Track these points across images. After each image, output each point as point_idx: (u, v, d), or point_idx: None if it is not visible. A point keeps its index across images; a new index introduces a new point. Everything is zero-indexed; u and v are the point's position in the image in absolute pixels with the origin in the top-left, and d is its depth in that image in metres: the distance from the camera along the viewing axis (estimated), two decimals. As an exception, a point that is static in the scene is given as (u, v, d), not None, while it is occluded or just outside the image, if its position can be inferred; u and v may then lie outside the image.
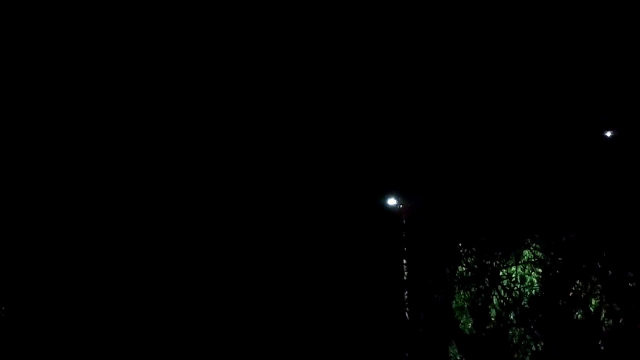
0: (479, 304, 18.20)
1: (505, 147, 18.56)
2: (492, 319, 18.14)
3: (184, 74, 17.55)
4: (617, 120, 18.57)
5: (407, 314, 18.39)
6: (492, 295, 18.22)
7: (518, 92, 18.67)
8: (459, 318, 18.25)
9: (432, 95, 18.61)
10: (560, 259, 18.14)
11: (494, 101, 18.75)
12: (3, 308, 16.34)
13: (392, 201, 18.57)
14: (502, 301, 18.15)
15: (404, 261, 18.58)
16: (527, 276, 18.24)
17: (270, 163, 18.15)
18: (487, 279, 18.27)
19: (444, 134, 18.70)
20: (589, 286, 17.96)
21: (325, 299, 17.96)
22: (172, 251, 17.43)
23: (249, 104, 18.06)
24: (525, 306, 18.03)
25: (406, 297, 18.50)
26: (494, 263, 18.37)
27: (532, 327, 17.90)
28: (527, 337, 17.91)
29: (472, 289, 18.30)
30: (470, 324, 18.10)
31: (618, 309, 17.83)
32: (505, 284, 18.23)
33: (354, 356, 17.97)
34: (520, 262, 18.30)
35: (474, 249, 18.45)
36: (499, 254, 18.37)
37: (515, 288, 18.16)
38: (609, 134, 18.58)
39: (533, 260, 18.22)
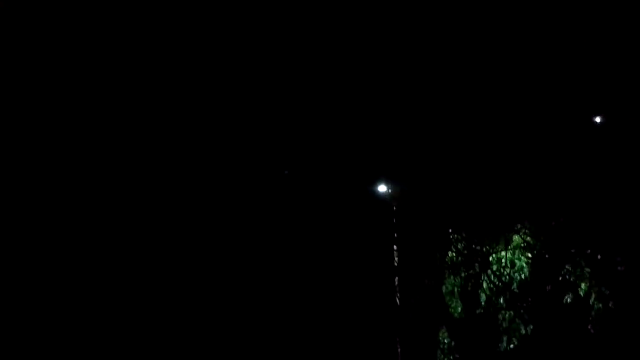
0: (469, 289, 18.32)
1: (494, 132, 18.58)
2: (482, 303, 18.27)
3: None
4: (607, 105, 18.62)
5: (397, 300, 18.49)
6: (482, 280, 18.34)
7: (507, 77, 18.66)
8: (449, 303, 18.37)
9: (420, 79, 18.56)
10: (549, 243, 18.27)
11: (482, 87, 18.74)
12: None
13: (382, 187, 18.59)
14: (491, 286, 18.27)
15: (395, 247, 18.63)
16: (516, 261, 18.36)
17: (258, 147, 18.11)
18: (477, 264, 18.36)
19: (433, 119, 18.68)
20: (578, 270, 18.12)
21: (314, 285, 18.01)
22: (168, 247, 17.46)
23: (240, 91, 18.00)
24: (515, 290, 18.17)
25: (397, 282, 18.58)
26: (483, 248, 18.46)
27: (521, 311, 18.05)
28: (517, 320, 18.06)
29: (462, 274, 18.40)
30: (459, 308, 18.23)
31: (607, 292, 18.01)
32: (495, 269, 18.34)
33: (345, 341, 18.07)
34: (509, 247, 18.41)
35: (463, 234, 18.52)
36: (489, 239, 18.46)
37: (505, 273, 18.28)
38: (598, 119, 18.64)
39: (523, 245, 18.33)
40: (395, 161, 18.67)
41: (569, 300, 18.05)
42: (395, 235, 18.56)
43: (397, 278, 18.54)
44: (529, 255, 18.28)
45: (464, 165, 18.62)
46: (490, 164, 18.57)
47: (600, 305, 17.93)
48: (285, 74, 18.52)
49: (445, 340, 18.30)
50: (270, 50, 18.32)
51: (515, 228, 18.41)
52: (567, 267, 18.11)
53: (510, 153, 18.56)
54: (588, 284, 18.02)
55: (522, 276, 18.21)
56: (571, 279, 18.22)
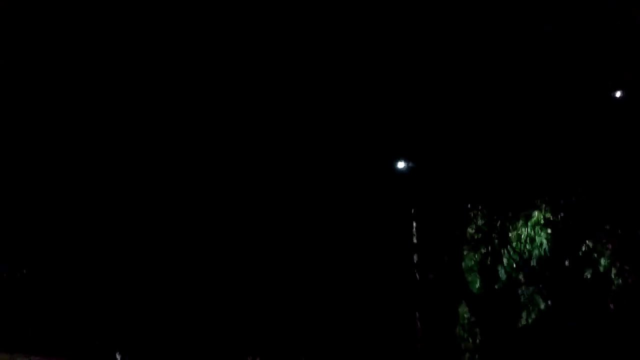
0: (488, 264, 18.35)
1: (516, 109, 18.64)
2: (502, 279, 18.26)
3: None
4: (627, 80, 18.45)
5: (417, 275, 18.70)
6: (502, 256, 18.33)
7: (529, 54, 18.70)
8: (469, 278, 18.43)
9: (442, 55, 18.76)
10: (569, 219, 18.17)
11: (505, 64, 18.82)
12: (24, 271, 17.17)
13: (401, 164, 18.87)
14: (511, 261, 18.26)
15: (414, 224, 18.87)
16: (536, 237, 18.28)
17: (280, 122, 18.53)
18: (496, 240, 18.40)
19: (454, 94, 18.85)
20: (598, 246, 17.95)
21: (335, 261, 18.39)
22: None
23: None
24: (534, 266, 18.12)
25: (416, 259, 18.80)
26: (503, 224, 18.48)
27: (540, 286, 18.00)
28: (536, 296, 18.01)
29: (482, 250, 18.46)
30: (478, 284, 18.27)
31: (627, 268, 17.80)
32: (514, 245, 18.32)
33: (365, 316, 18.38)
34: (529, 223, 18.35)
35: (484, 210, 18.58)
36: (509, 215, 18.47)
37: (525, 249, 18.24)
38: (618, 94, 18.48)
39: (542, 222, 18.23)
40: (415, 137, 18.91)
41: (588, 276, 17.89)
42: (414, 211, 18.81)
43: (416, 254, 18.77)
44: (549, 231, 18.18)
45: (484, 142, 18.74)
46: (510, 141, 18.63)
47: (621, 280, 17.72)
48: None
49: (466, 316, 18.37)
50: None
51: (536, 204, 18.33)
52: (587, 242, 17.97)
53: (530, 130, 18.59)
54: (609, 260, 17.81)
55: (542, 252, 18.12)
56: (594, 255, 18.04)
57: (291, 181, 18.91)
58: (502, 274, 18.28)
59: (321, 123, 19.04)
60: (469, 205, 18.64)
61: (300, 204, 18.89)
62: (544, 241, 18.22)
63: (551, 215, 18.28)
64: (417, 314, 18.60)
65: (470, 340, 18.27)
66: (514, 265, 18.31)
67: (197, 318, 18.13)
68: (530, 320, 17.95)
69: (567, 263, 17.97)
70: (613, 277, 17.77)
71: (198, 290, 18.24)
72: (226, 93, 18.75)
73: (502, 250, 18.40)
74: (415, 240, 18.85)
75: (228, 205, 18.49)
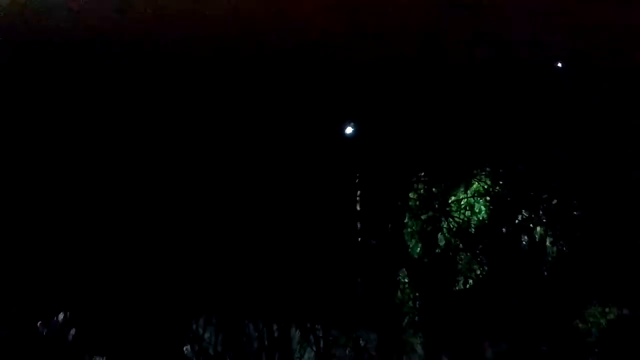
0: (428, 230, 18.84)
1: (454, 78, 18.89)
2: (441, 244, 18.77)
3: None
4: (569, 49, 18.78)
5: (359, 242, 19.12)
6: (442, 223, 18.82)
7: (466, 23, 18.88)
8: (409, 244, 18.90)
9: (382, 26, 18.85)
10: (507, 188, 18.68)
11: (446, 34, 19.00)
12: None
13: (347, 130, 19.09)
14: (450, 227, 18.77)
15: (357, 192, 19.21)
16: (475, 204, 18.79)
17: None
18: (436, 206, 18.86)
19: (396, 63, 19.01)
20: (534, 216, 18.53)
21: (276, 227, 18.65)
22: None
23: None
24: (472, 232, 18.64)
25: (359, 226, 19.19)
26: (444, 192, 18.93)
27: (477, 252, 18.57)
28: (473, 262, 18.59)
29: (422, 217, 18.92)
30: (418, 249, 18.76)
31: (562, 236, 18.43)
32: (454, 212, 18.81)
33: (307, 283, 18.74)
34: (469, 191, 18.84)
35: (424, 178, 18.99)
36: (449, 183, 18.91)
37: (464, 216, 18.74)
38: (559, 64, 18.84)
39: (482, 191, 18.72)
40: (358, 105, 19.10)
41: (525, 242, 18.50)
42: (357, 180, 19.12)
43: (359, 222, 19.14)
44: (488, 198, 18.68)
45: (425, 111, 19.02)
46: (450, 111, 18.94)
47: (555, 248, 18.37)
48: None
49: (405, 280, 18.89)
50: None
51: (475, 173, 18.78)
52: (523, 212, 18.53)
53: (469, 100, 18.89)
54: (543, 229, 18.42)
55: (480, 218, 18.65)
56: (530, 225, 18.61)
57: (231, 145, 18.96)
58: (441, 239, 18.82)
59: (266, 86, 19.08)
60: (411, 172, 19.03)
61: (242, 171, 19.00)
62: (483, 208, 18.77)
63: (490, 184, 18.80)
64: (359, 280, 19.06)
65: (410, 304, 18.85)
66: (454, 231, 18.84)
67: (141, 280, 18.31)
68: (467, 285, 18.58)
69: (504, 230, 18.57)
70: (548, 245, 18.43)
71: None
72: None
73: (442, 217, 18.91)
74: (358, 208, 19.19)
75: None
